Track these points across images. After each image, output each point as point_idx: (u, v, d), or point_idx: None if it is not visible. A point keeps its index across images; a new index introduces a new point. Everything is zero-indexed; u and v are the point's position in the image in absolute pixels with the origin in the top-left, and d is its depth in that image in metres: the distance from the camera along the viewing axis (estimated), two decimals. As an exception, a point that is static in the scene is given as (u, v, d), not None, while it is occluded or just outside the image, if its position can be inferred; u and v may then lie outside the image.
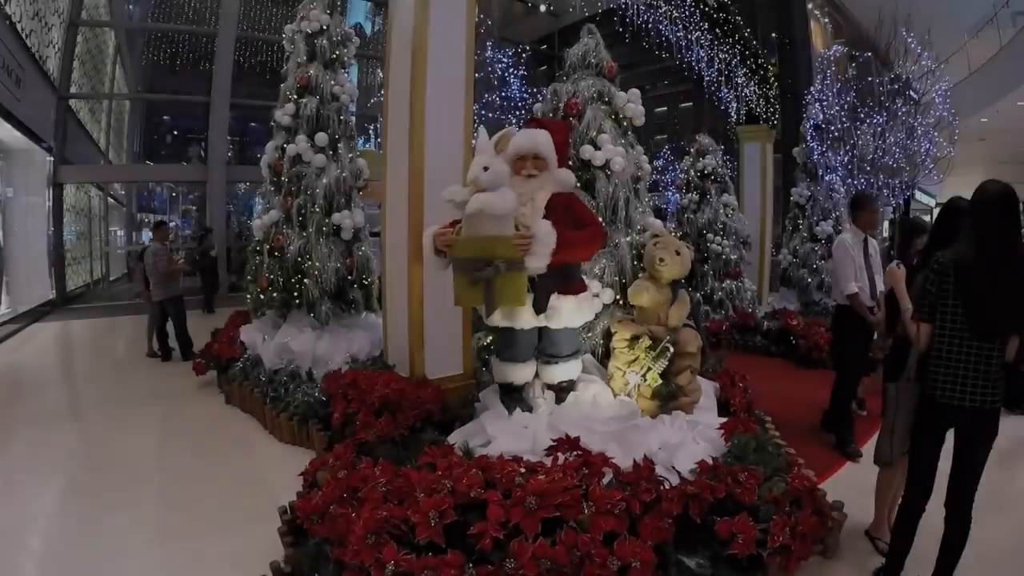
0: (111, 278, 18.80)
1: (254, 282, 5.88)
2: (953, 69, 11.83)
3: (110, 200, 19.37)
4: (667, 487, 2.57)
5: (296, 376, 5.09)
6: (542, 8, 23.60)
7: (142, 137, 21.81)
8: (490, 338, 4.28)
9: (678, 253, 3.62)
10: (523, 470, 2.58)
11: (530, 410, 3.40)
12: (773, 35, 17.02)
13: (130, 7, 18.89)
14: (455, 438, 3.26)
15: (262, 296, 5.76)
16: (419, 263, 4.03)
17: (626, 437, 2.97)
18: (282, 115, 5.88)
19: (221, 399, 5.79)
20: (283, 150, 5.81)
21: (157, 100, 20.84)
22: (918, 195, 19.55)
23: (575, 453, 2.65)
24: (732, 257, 8.84)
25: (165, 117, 21.98)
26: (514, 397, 3.48)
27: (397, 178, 4.29)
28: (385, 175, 4.51)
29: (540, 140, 3.40)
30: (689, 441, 3.16)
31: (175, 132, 22.00)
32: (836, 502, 3.11)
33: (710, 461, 2.88)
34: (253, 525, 3.22)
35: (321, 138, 5.68)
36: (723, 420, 3.50)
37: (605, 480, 2.58)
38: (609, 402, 3.31)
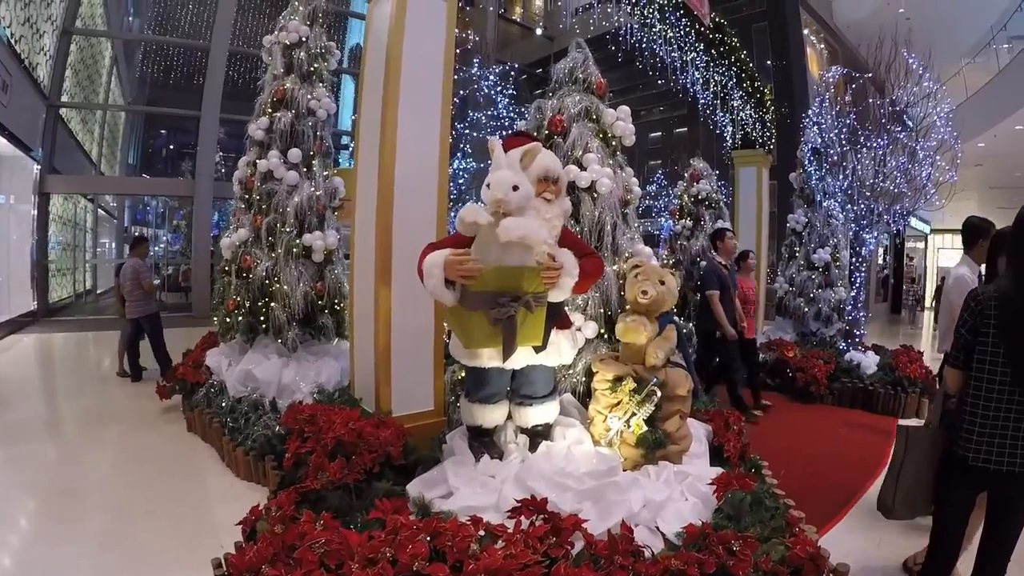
0: (98, 291, 18.45)
1: (221, 304, 5.57)
2: (950, 94, 11.76)
3: (100, 212, 19.10)
4: (647, 559, 2.22)
5: (259, 406, 4.75)
6: (538, 31, 23.63)
7: (138, 150, 21.65)
8: (464, 372, 3.95)
9: (662, 282, 3.26)
10: (482, 533, 2.24)
11: (500, 456, 3.05)
12: (768, 62, 17.02)
13: (129, 19, 18.77)
14: (414, 488, 2.90)
15: (228, 319, 5.43)
16: (387, 286, 3.71)
17: (603, 495, 2.60)
18: (255, 129, 5.59)
19: (183, 426, 5.47)
20: (256, 166, 5.52)
21: (151, 113, 20.68)
22: (913, 222, 19.47)
23: (542, 517, 2.29)
24: (727, 285, 8.55)
25: (162, 131, 21.87)
26: (484, 442, 3.12)
27: (366, 195, 3.99)
28: (355, 192, 4.21)
29: (560, 164, 3.13)
30: (677, 496, 2.81)
31: (171, 146, 21.87)
32: (840, 565, 2.77)
33: (699, 523, 2.54)
34: (192, 574, 2.94)
35: (294, 154, 5.37)
36: (716, 470, 3.17)
37: (575, 551, 2.23)
38: (585, 454, 2.92)
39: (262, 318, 5.25)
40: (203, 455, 4.80)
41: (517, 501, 2.34)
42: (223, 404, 4.93)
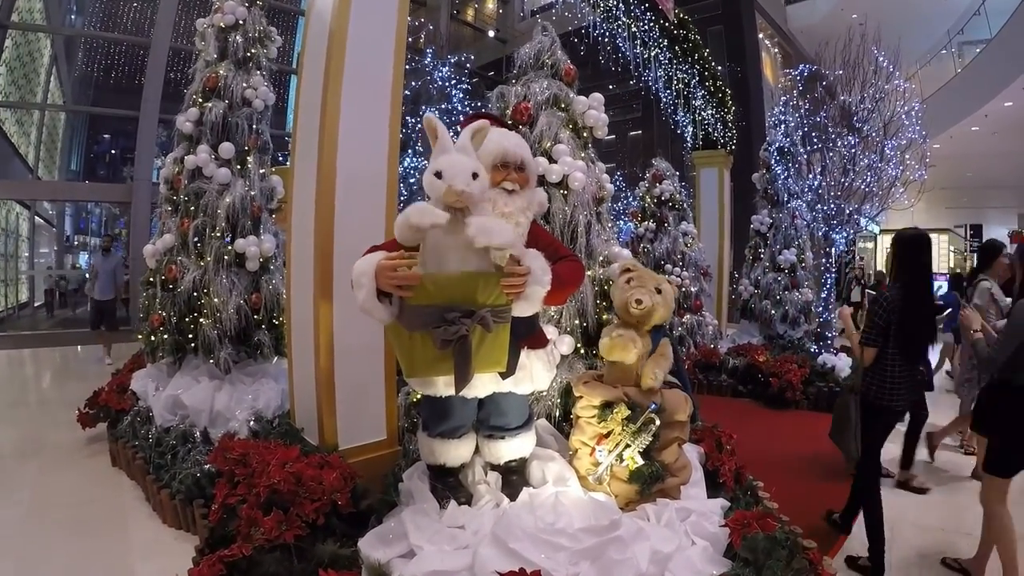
0: (36, 304, 17.22)
1: (146, 319, 4.91)
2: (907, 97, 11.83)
3: (38, 220, 17.83)
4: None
5: (188, 438, 4.16)
6: (491, 34, 23.26)
7: (81, 154, 20.33)
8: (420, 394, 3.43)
9: (658, 291, 2.75)
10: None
11: (469, 500, 2.54)
12: (719, 68, 17.00)
13: (72, 16, 17.64)
14: (367, 545, 2.35)
15: (153, 337, 4.79)
16: (327, 299, 3.18)
17: (604, 554, 2.09)
18: (184, 121, 5.00)
19: (108, 459, 4.82)
20: (184, 163, 4.91)
21: (95, 116, 19.44)
22: (863, 222, 19.63)
23: (531, 594, 1.80)
24: (692, 289, 8.24)
25: (106, 134, 20.64)
26: (448, 483, 2.58)
27: (303, 195, 3.45)
28: (290, 191, 3.66)
29: (524, 147, 2.57)
30: (685, 543, 2.35)
31: (114, 151, 20.66)
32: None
33: (716, 573, 2.09)
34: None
35: (226, 149, 4.78)
36: (717, 502, 2.75)
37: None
38: (577, 503, 2.38)
39: (190, 335, 4.63)
40: (128, 495, 4.22)
41: (500, 574, 1.83)
42: (149, 436, 4.31)
